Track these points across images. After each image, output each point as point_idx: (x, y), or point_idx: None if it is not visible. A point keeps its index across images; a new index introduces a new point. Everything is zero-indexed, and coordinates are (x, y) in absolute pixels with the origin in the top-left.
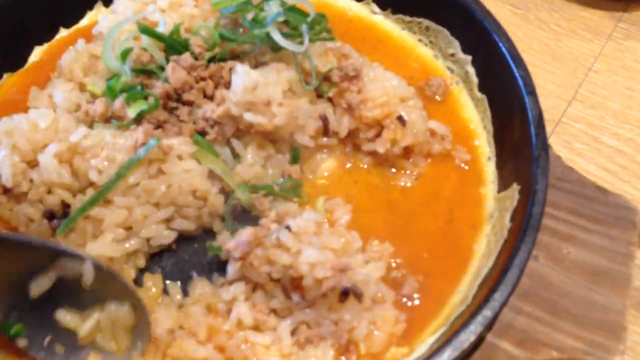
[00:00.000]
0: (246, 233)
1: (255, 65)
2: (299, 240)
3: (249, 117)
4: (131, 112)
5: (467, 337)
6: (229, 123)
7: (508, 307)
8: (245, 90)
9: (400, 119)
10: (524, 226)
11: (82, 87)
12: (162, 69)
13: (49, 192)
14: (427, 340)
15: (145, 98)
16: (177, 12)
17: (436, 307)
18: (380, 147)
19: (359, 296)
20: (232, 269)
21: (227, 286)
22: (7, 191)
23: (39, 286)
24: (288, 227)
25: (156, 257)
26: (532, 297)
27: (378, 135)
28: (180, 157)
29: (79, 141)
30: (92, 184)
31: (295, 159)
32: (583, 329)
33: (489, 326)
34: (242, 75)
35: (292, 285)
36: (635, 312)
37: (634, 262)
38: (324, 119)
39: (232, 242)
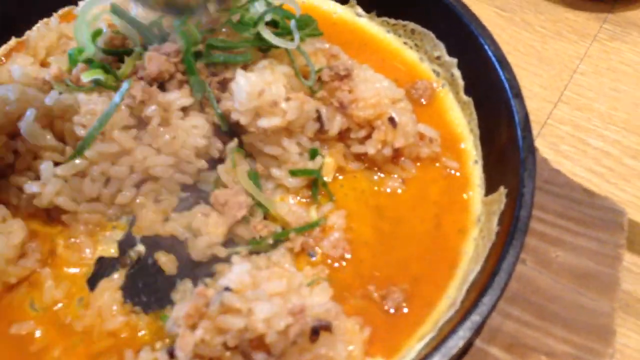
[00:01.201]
0: (182, 309)
1: (244, 68)
2: (245, 298)
3: (263, 123)
4: (85, 77)
5: (456, 342)
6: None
7: (496, 311)
8: (250, 97)
9: (391, 120)
10: (511, 230)
11: (43, 64)
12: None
13: (36, 157)
14: (415, 347)
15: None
16: None
17: (424, 312)
18: (371, 148)
19: (329, 328)
20: (182, 353)
21: None
22: None
23: None
24: (228, 288)
25: None
26: (520, 301)
27: (368, 136)
28: (186, 112)
29: (54, 104)
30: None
31: (314, 157)
32: (572, 332)
33: (478, 331)
34: (243, 83)
35: (251, 346)
36: (623, 315)
37: (622, 265)
38: (318, 115)
39: (169, 322)
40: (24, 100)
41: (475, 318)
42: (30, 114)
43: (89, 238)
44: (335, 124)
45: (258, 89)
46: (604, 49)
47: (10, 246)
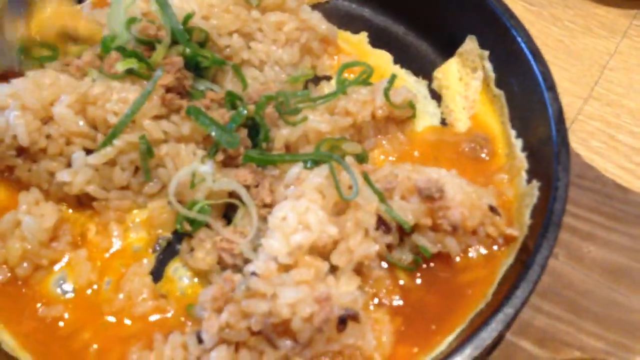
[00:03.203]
0: (209, 292)
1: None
2: (270, 283)
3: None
4: (120, 66)
5: (489, 334)
6: None
7: (528, 305)
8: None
9: (492, 209)
10: (545, 223)
11: None
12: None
13: (68, 143)
14: (446, 339)
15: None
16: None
17: (455, 304)
18: (483, 248)
19: (356, 318)
20: (207, 335)
21: (206, 355)
22: (22, 152)
23: None
24: (254, 274)
25: None
26: (552, 295)
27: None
28: None
29: (88, 90)
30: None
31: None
32: (604, 328)
33: (509, 324)
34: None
35: (276, 332)
36: None
37: None
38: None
39: (196, 307)
40: (57, 86)
41: (508, 311)
42: (64, 99)
43: (119, 224)
44: (454, 248)
45: (294, 244)
46: (634, 45)
47: (42, 229)
